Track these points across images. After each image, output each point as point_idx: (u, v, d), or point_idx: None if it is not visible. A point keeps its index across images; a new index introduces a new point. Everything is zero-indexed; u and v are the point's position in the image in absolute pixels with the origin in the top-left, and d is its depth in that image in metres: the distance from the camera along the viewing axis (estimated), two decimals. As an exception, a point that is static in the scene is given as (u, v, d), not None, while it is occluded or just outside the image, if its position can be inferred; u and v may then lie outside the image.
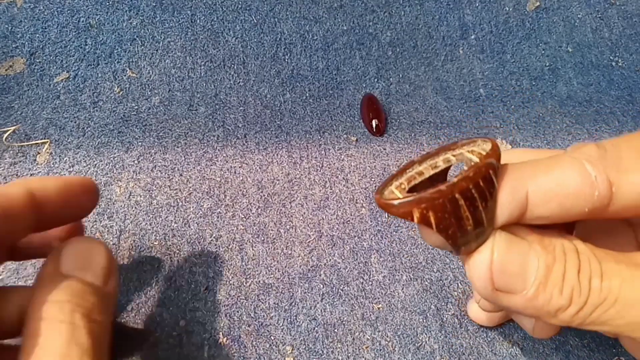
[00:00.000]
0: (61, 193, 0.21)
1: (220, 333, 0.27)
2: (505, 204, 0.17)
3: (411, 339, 0.28)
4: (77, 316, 0.18)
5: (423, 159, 0.18)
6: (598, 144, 0.17)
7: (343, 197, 0.32)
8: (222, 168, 0.33)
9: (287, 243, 0.31)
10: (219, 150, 0.34)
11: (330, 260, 0.30)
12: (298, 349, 0.27)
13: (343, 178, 0.33)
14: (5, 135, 0.34)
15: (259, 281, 0.29)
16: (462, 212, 0.16)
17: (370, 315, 0.28)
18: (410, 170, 0.18)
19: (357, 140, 0.35)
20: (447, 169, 0.18)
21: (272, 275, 0.29)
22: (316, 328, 0.28)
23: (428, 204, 0.16)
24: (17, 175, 0.33)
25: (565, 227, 0.22)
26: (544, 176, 0.16)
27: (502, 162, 0.17)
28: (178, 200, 0.32)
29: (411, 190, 0.17)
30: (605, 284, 0.16)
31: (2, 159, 0.33)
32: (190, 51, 0.38)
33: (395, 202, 0.16)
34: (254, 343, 0.27)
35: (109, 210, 0.31)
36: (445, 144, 0.19)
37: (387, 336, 0.28)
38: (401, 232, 0.31)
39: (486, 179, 0.16)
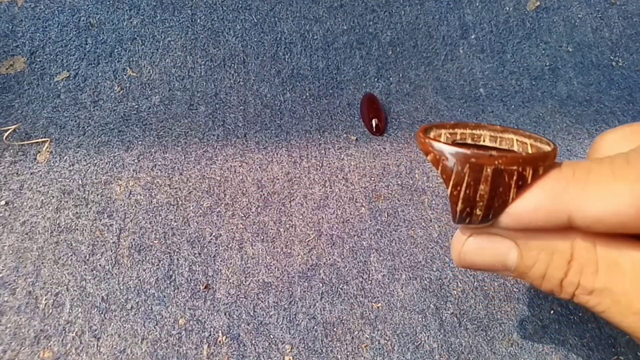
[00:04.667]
0: None
1: (220, 331, 0.27)
2: (538, 222, 0.16)
3: (410, 337, 0.28)
4: None
5: (486, 127, 0.18)
6: None
7: (343, 197, 0.33)
8: (222, 167, 0.33)
9: (287, 242, 0.31)
10: (219, 149, 0.34)
11: (329, 259, 0.30)
12: (297, 347, 0.27)
13: (343, 177, 0.33)
14: (6, 134, 0.34)
15: (259, 280, 0.29)
16: (483, 192, 0.16)
17: (370, 314, 0.28)
18: (466, 129, 0.18)
19: (357, 139, 0.35)
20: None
21: (271, 274, 0.30)
22: (315, 327, 0.28)
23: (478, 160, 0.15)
24: (17, 174, 0.33)
25: None
26: (593, 202, 0.16)
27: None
28: (178, 199, 0.32)
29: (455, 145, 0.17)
30: (598, 285, 0.17)
31: (3, 158, 0.33)
32: (191, 50, 0.39)
33: (446, 148, 0.16)
34: (253, 342, 0.27)
35: (108, 209, 0.32)
36: (516, 128, 0.18)
37: (386, 335, 0.28)
38: (400, 231, 0.31)
39: (533, 170, 0.16)
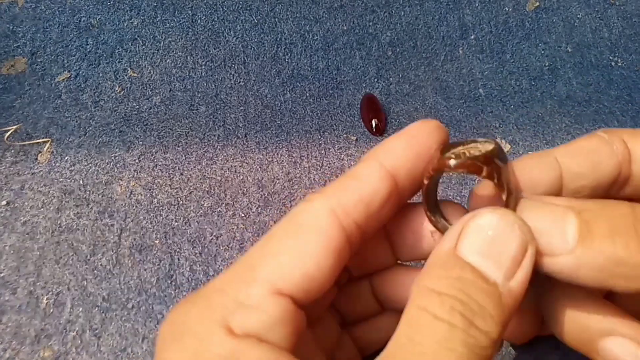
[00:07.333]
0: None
1: (220, 331, 0.28)
2: (544, 178, 0.18)
3: (410, 337, 0.28)
4: (456, 317, 0.14)
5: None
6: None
7: (343, 196, 0.33)
8: (223, 167, 0.34)
9: (287, 242, 0.31)
10: (219, 149, 0.34)
11: (329, 258, 0.30)
12: (298, 347, 0.27)
13: (343, 177, 0.33)
14: (7, 134, 0.34)
15: (259, 279, 0.29)
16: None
17: (370, 313, 0.28)
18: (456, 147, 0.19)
19: (357, 139, 0.35)
20: None
21: (272, 274, 0.30)
22: (316, 326, 0.28)
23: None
24: (18, 174, 0.33)
25: None
26: (569, 147, 0.19)
27: None
28: (179, 199, 0.32)
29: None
30: None
31: (4, 158, 0.34)
32: (191, 51, 0.39)
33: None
34: (254, 341, 0.27)
35: (109, 209, 0.32)
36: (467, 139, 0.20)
37: (387, 334, 0.28)
38: (401, 231, 0.31)
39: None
